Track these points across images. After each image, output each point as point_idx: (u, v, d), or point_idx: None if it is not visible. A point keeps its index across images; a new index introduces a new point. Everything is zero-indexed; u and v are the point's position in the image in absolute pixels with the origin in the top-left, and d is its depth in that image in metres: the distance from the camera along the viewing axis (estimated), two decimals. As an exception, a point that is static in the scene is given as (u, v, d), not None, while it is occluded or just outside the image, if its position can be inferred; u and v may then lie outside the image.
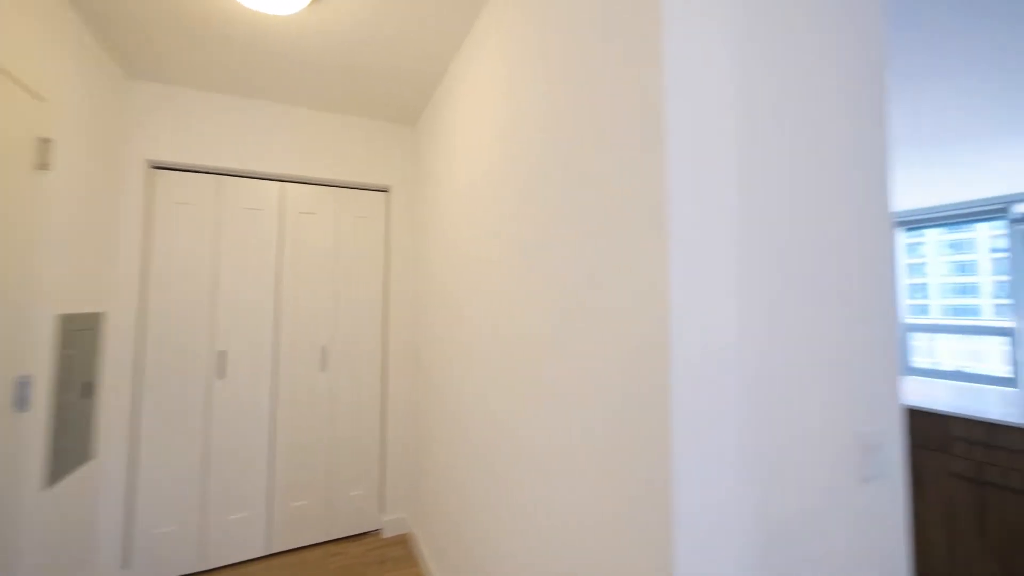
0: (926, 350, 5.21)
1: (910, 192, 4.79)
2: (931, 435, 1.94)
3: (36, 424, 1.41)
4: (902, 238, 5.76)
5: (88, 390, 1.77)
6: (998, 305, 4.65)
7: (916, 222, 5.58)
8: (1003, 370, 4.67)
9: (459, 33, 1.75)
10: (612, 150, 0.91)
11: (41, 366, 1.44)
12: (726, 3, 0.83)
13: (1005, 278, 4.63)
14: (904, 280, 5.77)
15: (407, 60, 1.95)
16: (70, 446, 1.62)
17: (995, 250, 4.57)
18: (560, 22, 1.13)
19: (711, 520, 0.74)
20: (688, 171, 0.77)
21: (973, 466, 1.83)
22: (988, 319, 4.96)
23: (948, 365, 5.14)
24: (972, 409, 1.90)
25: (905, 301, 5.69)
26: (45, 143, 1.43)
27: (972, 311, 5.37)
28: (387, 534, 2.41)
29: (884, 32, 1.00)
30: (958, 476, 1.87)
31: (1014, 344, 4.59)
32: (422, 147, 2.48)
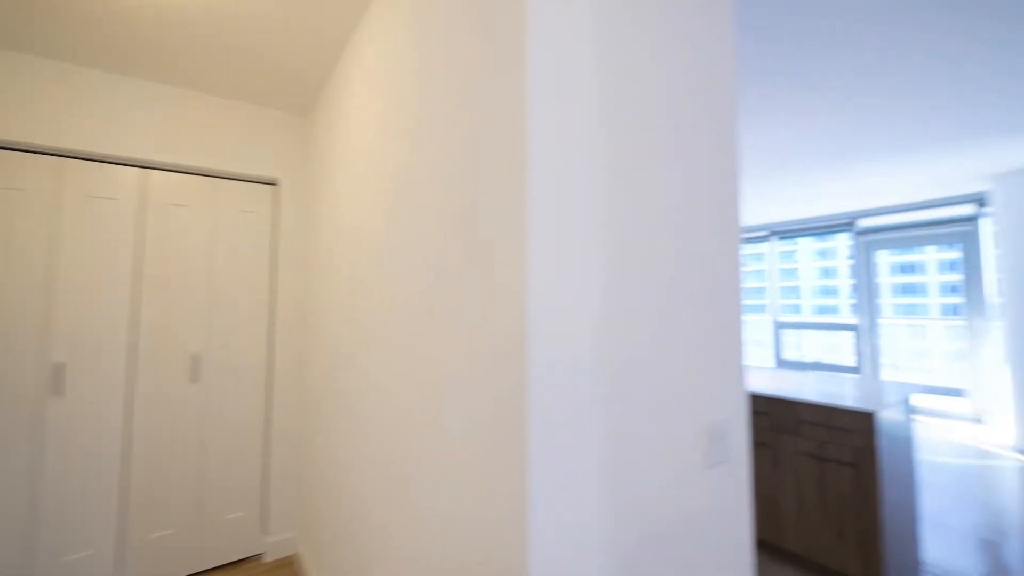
0: (795, 344, 5.95)
1: (781, 206, 5.45)
2: (785, 419, 2.20)
3: None
4: (777, 246, 6.52)
5: None
6: (851, 305, 5.46)
7: (790, 232, 6.36)
8: (851, 360, 5.48)
9: (351, 18, 1.66)
10: (475, 152, 0.89)
11: None
12: (590, 11, 0.84)
13: (853, 281, 5.43)
14: (777, 283, 6.54)
15: (298, 44, 1.81)
16: None
17: (851, 257, 5.36)
18: (434, 19, 1.10)
19: (566, 502, 0.75)
20: (550, 176, 0.77)
21: (816, 445, 2.09)
22: (842, 317, 5.79)
23: (811, 357, 5.92)
24: (817, 394, 2.18)
25: (778, 302, 6.46)
26: None
27: (832, 310, 6.23)
28: (271, 557, 2.21)
29: (733, 69, 1.09)
30: (805, 454, 2.12)
31: (858, 338, 5.40)
32: (315, 139, 2.32)
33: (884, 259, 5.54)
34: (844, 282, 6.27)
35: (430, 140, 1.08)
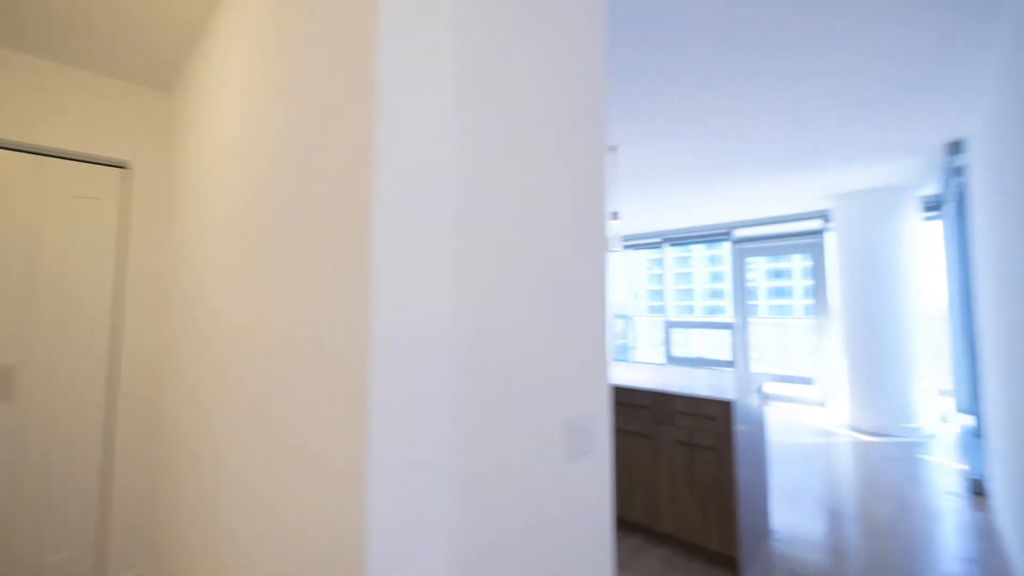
0: (683, 342, 6.55)
1: (674, 214, 5.95)
2: (663, 411, 2.38)
3: None
4: (670, 252, 7.13)
5: None
6: (728, 306, 6.16)
7: (682, 239, 6.96)
8: (728, 355, 6.14)
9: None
10: (323, 138, 0.83)
11: None
12: (452, 13, 0.82)
13: (730, 285, 6.10)
14: (671, 286, 7.17)
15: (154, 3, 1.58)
16: None
17: (729, 263, 6.08)
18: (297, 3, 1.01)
19: (411, 501, 0.71)
20: (402, 163, 0.73)
21: (687, 433, 2.29)
22: (722, 317, 6.51)
23: (696, 353, 6.56)
24: (689, 387, 2.38)
25: (671, 303, 7.07)
26: None
27: (720, 311, 6.96)
28: (113, 600, 1.90)
29: (605, 94, 1.14)
30: (678, 442, 2.32)
31: (733, 335, 6.08)
32: (178, 118, 2.06)
33: (755, 265, 6.26)
34: (727, 285, 6.98)
35: (282, 124, 0.99)
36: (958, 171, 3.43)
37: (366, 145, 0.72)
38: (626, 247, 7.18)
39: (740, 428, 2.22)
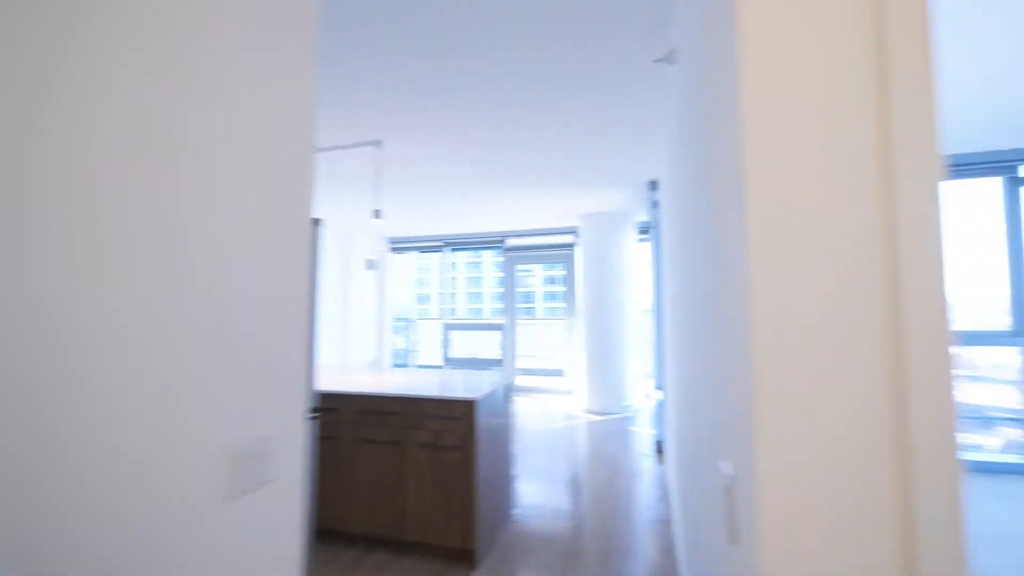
0: (459, 343, 6.87)
1: (455, 220, 6.12)
2: (413, 416, 2.31)
3: None
4: (450, 257, 7.37)
5: None
6: (500, 309, 6.71)
7: (463, 244, 7.25)
8: (498, 354, 6.68)
9: None
10: None
11: None
12: None
13: (501, 290, 6.66)
14: (450, 289, 7.41)
15: None
16: None
17: (501, 269, 6.61)
18: None
19: None
20: None
21: (434, 435, 2.27)
22: (495, 319, 7.08)
23: (471, 354, 6.96)
24: (439, 388, 2.39)
25: (451, 306, 7.31)
26: None
27: (500, 313, 7.52)
28: None
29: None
30: (426, 445, 2.28)
31: (503, 336, 6.65)
32: None
33: (532, 272, 6.98)
34: (500, 290, 7.56)
35: None
36: (656, 204, 4.45)
37: None
38: (406, 249, 7.12)
39: (485, 424, 2.32)
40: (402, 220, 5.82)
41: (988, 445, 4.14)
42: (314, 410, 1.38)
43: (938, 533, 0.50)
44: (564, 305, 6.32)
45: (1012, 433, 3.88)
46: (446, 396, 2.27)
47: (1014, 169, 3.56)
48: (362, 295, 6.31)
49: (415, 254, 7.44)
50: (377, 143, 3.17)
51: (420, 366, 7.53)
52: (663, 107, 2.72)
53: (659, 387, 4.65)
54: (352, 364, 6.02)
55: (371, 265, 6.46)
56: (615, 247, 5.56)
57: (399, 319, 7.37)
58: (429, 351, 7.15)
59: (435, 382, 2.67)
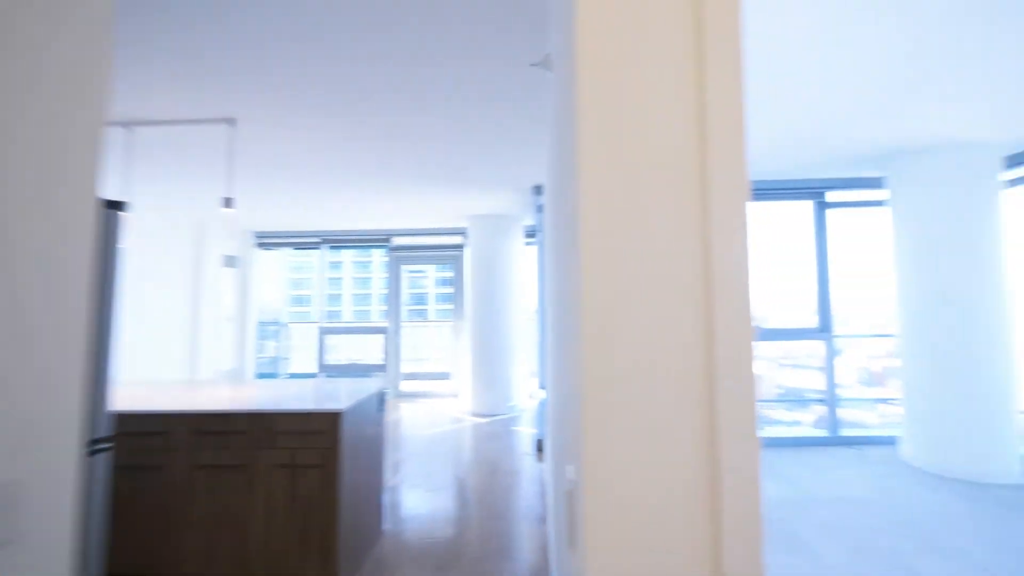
0: (336, 348, 6.37)
1: (334, 216, 5.62)
2: (262, 435, 2.01)
3: None
4: (328, 255, 6.81)
5: None
6: (383, 311, 6.35)
7: (341, 242, 6.73)
8: (380, 359, 6.33)
9: None
10: None
11: None
12: None
13: (386, 291, 6.32)
14: (326, 291, 6.84)
15: None
16: None
17: (385, 269, 6.25)
18: None
19: None
20: None
21: (290, 454, 2.00)
22: (377, 322, 6.69)
23: (351, 359, 6.50)
24: (297, 401, 2.11)
25: (325, 308, 6.75)
26: None
27: (381, 315, 7.09)
28: None
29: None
30: (279, 466, 2.00)
31: (387, 339, 6.32)
32: None
33: (413, 272, 6.71)
34: (383, 291, 7.19)
35: None
36: (540, 208, 4.57)
37: None
38: (277, 245, 6.39)
39: (353, 436, 2.10)
40: (269, 213, 5.18)
41: (804, 420, 5.04)
42: (101, 440, 1.08)
43: (738, 502, 0.55)
44: (452, 307, 6.20)
45: (820, 410, 4.70)
46: (305, 409, 2.02)
47: (822, 195, 4.38)
48: (218, 296, 5.48)
49: (288, 251, 6.73)
50: (231, 121, 2.75)
51: (291, 375, 6.79)
52: (545, 112, 2.77)
53: (542, 386, 4.78)
54: (202, 377, 5.19)
55: (231, 262, 5.66)
56: (503, 249, 5.61)
57: (268, 323, 6.56)
58: (303, 358, 6.50)
59: (296, 393, 2.37)
